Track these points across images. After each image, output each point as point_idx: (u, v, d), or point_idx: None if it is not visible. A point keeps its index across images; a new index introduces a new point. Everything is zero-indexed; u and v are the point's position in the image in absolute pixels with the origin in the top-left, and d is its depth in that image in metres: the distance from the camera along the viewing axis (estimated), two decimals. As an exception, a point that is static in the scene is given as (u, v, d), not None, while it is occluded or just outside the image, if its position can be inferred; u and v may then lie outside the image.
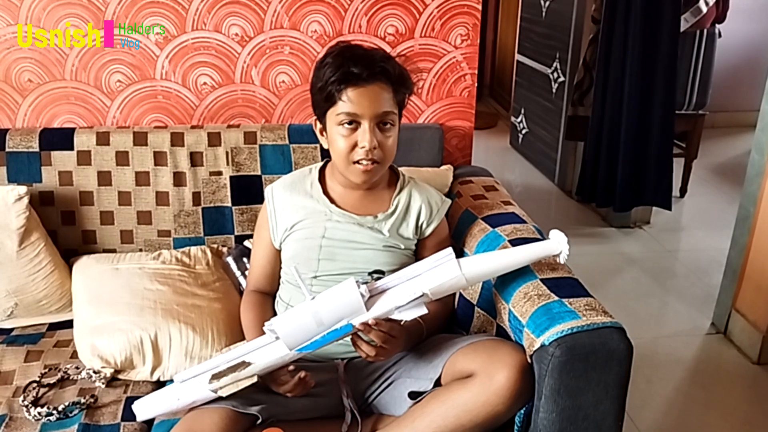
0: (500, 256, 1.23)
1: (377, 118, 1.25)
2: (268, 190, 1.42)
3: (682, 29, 3.09)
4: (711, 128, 4.16)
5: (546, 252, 1.23)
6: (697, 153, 3.52)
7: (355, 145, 1.26)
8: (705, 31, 3.22)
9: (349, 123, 1.25)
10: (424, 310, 1.15)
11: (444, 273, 1.16)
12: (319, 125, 1.34)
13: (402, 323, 1.18)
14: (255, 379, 1.17)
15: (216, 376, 1.15)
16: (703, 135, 3.52)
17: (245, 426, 1.16)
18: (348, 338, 1.31)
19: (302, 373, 1.19)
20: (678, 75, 2.96)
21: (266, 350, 1.16)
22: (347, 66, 1.23)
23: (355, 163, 1.28)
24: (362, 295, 1.12)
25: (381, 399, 1.29)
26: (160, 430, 1.24)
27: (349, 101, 1.24)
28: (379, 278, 1.33)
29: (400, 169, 1.45)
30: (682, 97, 3.27)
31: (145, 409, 1.23)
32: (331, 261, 1.34)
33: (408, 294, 1.14)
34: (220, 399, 1.17)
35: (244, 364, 1.15)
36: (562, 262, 1.24)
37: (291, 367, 1.18)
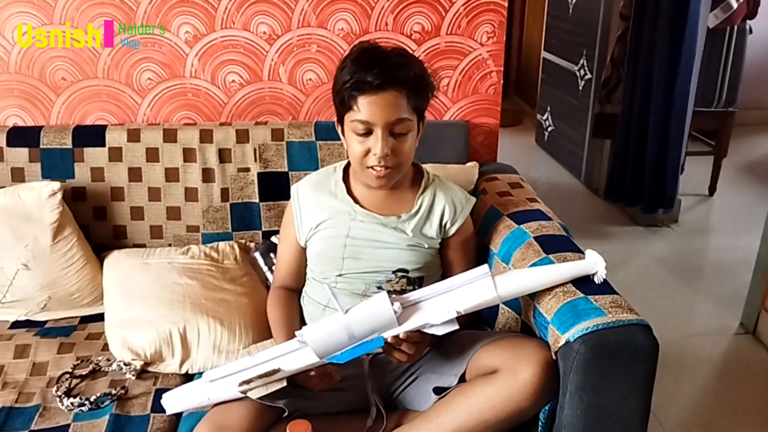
0: (535, 275, 1.21)
1: (390, 125, 1.24)
2: (293, 189, 1.43)
3: (711, 25, 3.05)
4: (741, 126, 4.08)
5: (582, 271, 1.21)
6: (727, 151, 3.47)
7: (368, 151, 1.26)
8: (735, 27, 3.17)
9: (363, 130, 1.25)
10: (455, 326, 1.14)
11: (478, 292, 1.15)
12: (340, 128, 1.34)
13: None
14: (284, 383, 1.17)
15: (246, 381, 1.16)
16: (733, 132, 3.47)
17: (272, 419, 1.18)
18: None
19: (328, 367, 1.20)
20: (701, 73, 2.93)
21: (295, 356, 1.17)
22: (360, 73, 1.22)
23: (369, 168, 1.28)
24: (395, 312, 1.12)
25: (406, 394, 1.30)
26: (189, 422, 1.26)
27: (361, 109, 1.24)
28: (403, 277, 1.34)
29: (424, 166, 1.45)
30: (711, 94, 3.23)
31: (173, 403, 1.25)
32: (355, 260, 1.35)
33: (441, 312, 1.13)
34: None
35: (273, 371, 1.16)
36: (597, 282, 1.20)
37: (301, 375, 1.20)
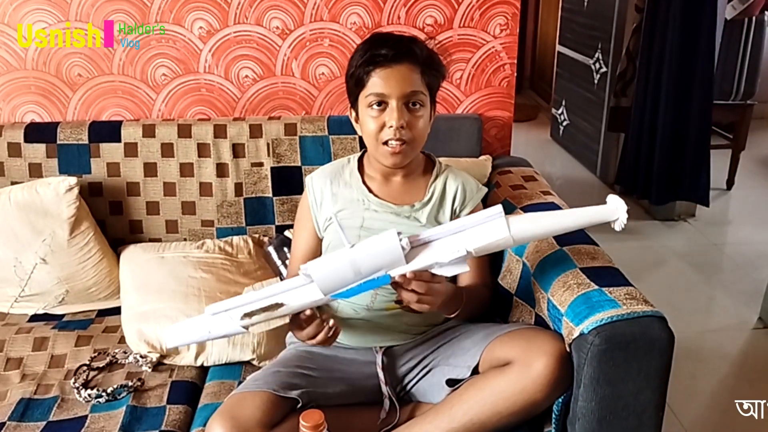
0: (552, 217, 1.16)
1: (405, 97, 1.25)
2: (308, 180, 1.44)
3: (729, 17, 3.03)
4: (759, 119, 4.05)
5: (601, 217, 1.14)
6: (745, 144, 3.43)
7: (384, 126, 1.26)
8: (754, 18, 3.13)
9: (378, 104, 1.26)
10: (465, 268, 1.12)
11: (491, 232, 1.10)
12: (353, 113, 1.35)
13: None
14: (287, 320, 1.16)
15: (248, 315, 1.14)
16: (752, 126, 3.43)
17: (286, 409, 1.18)
18: (387, 329, 1.33)
19: (330, 321, 1.18)
20: (718, 65, 2.90)
21: (300, 292, 1.14)
22: (374, 49, 1.25)
23: (384, 144, 1.28)
24: (403, 248, 1.09)
25: (419, 387, 1.30)
26: (204, 413, 1.28)
27: (376, 82, 1.25)
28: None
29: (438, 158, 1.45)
30: (729, 86, 3.20)
31: (174, 337, 1.22)
32: None
33: (451, 251, 1.10)
34: (260, 383, 1.19)
35: (276, 306, 1.13)
36: (617, 229, 1.14)
37: (308, 312, 1.16)
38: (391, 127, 1.25)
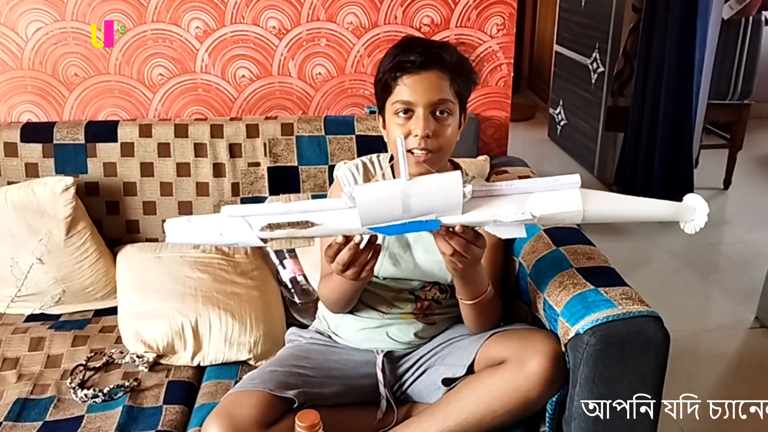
0: (628, 202, 1.05)
1: (432, 106, 1.20)
2: (340, 173, 1.37)
3: (726, 17, 3.03)
4: (756, 118, 4.05)
5: (677, 214, 1.05)
6: (742, 144, 3.43)
7: (409, 134, 1.21)
8: (751, 18, 3.14)
9: (404, 111, 1.21)
10: (522, 233, 1.02)
11: (562, 201, 1.01)
12: (381, 119, 1.30)
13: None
14: (312, 243, 1.05)
15: (271, 226, 1.03)
16: (748, 125, 3.43)
17: (282, 409, 1.18)
18: (391, 331, 1.32)
19: (362, 239, 1.06)
20: (715, 65, 2.91)
21: (336, 215, 1.03)
22: (403, 54, 1.21)
23: (409, 152, 1.21)
24: (464, 195, 0.99)
25: (415, 387, 1.30)
26: (201, 413, 1.28)
27: (403, 89, 1.20)
28: (436, 284, 1.32)
29: (463, 166, 1.39)
30: (726, 86, 3.20)
31: (178, 231, 1.06)
32: (394, 264, 1.32)
33: (515, 211, 1.01)
34: (257, 383, 1.19)
35: (306, 224, 1.02)
36: (688, 231, 1.05)
37: (339, 239, 1.05)
38: (416, 135, 1.19)
